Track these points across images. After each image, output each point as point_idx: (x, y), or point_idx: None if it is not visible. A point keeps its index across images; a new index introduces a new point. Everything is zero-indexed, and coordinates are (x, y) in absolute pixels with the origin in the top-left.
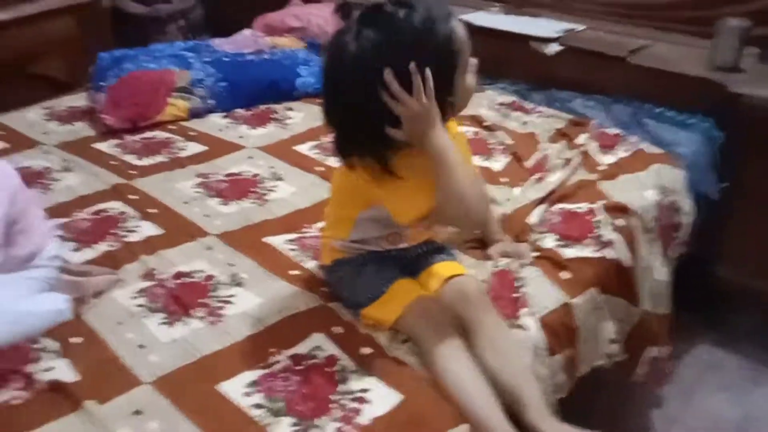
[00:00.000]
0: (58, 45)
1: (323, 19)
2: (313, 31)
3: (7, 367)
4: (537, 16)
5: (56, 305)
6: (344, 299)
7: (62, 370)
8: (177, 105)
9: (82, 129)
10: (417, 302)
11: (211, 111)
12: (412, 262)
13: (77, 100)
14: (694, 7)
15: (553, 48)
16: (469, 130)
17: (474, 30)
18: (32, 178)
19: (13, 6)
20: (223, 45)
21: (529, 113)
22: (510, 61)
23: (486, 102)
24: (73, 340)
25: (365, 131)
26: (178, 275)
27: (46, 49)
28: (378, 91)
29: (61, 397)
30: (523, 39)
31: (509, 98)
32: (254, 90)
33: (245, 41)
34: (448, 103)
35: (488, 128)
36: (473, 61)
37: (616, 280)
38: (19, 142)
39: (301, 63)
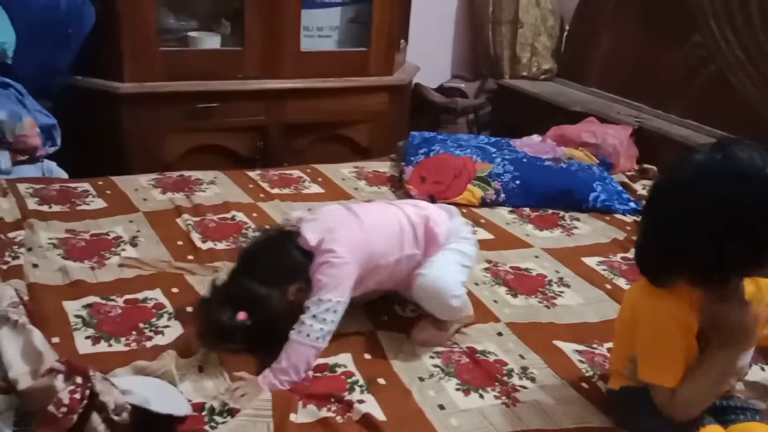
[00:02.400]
0: (369, 115)
1: (618, 141)
2: (606, 150)
3: (327, 390)
4: None
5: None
6: (634, 427)
7: (372, 406)
8: (473, 192)
9: (384, 192)
10: None
11: (500, 204)
12: (713, 413)
13: (380, 166)
14: None
15: None
16: None
17: None
18: None
19: (346, 77)
20: (523, 146)
21: None
22: None
23: None
24: (380, 380)
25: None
26: (472, 350)
27: (360, 117)
28: (699, 224)
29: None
30: None
31: None
32: (546, 194)
33: (543, 147)
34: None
35: None
36: None
37: None
38: (334, 192)
39: (597, 179)
